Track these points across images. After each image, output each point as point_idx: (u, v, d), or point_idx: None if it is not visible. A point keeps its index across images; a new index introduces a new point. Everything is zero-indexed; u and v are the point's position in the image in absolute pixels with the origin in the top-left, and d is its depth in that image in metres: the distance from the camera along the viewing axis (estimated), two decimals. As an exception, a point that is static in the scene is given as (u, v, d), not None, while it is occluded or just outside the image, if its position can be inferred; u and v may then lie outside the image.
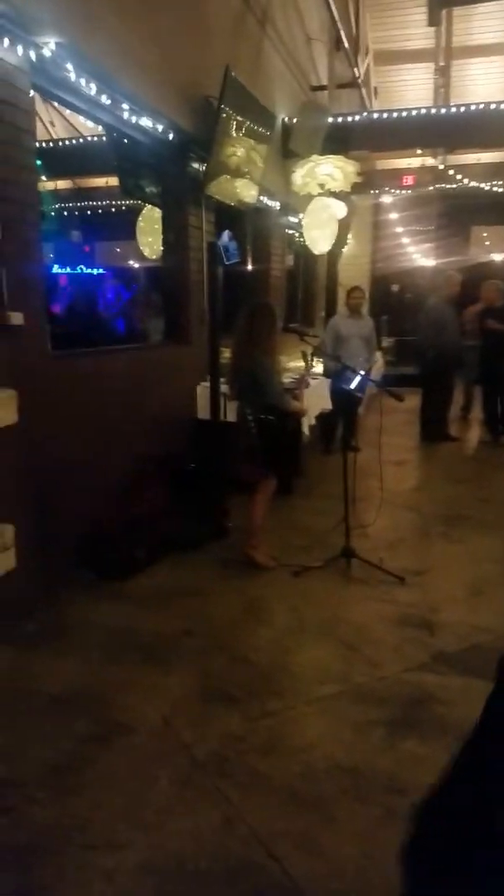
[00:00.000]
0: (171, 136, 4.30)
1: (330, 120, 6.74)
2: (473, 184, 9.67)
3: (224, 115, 4.62)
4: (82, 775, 2.14)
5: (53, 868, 1.79)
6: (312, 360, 4.84)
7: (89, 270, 8.84)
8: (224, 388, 4.15)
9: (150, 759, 2.22)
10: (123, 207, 7.73)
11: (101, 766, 2.18)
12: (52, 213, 8.16)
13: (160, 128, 4.16)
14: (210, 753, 2.24)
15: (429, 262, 11.78)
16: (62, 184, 8.12)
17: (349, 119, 6.96)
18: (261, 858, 1.82)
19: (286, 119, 6.79)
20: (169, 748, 2.27)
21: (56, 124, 6.52)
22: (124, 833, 1.91)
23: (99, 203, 8.34)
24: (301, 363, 4.42)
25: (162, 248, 4.98)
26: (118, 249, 9.66)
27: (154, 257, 5.36)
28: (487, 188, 9.72)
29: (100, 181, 7.98)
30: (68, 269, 8.34)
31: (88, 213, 8.52)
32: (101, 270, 8.89)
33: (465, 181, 9.59)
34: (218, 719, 2.41)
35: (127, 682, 2.65)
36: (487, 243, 11.82)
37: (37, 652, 2.88)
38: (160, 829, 1.92)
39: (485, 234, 11.90)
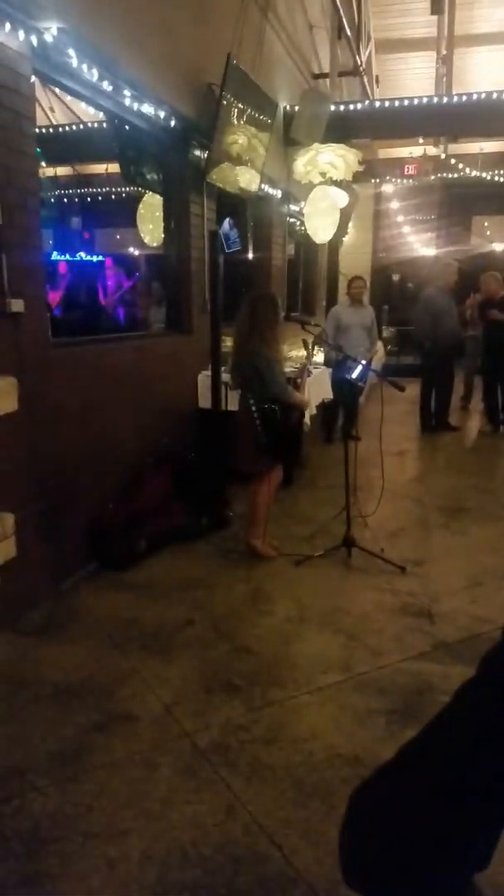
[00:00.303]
0: (172, 123, 4.23)
1: (332, 108, 6.65)
2: (475, 173, 9.60)
3: (225, 102, 4.55)
4: (85, 764, 2.13)
5: (57, 856, 1.79)
6: (314, 349, 4.80)
7: (89, 257, 8.76)
8: (226, 377, 4.11)
9: (152, 747, 2.21)
10: (124, 194, 7.64)
11: (104, 755, 2.17)
12: (52, 200, 8.07)
13: (162, 115, 4.10)
14: (212, 742, 2.23)
15: (430, 251, 11.71)
16: (62, 170, 8.02)
17: (351, 107, 6.87)
18: (263, 847, 1.82)
19: (288, 107, 6.70)
20: (171, 737, 2.26)
21: (56, 110, 6.43)
22: (127, 821, 1.90)
23: (99, 190, 8.25)
24: (302, 352, 4.38)
25: (163, 235, 4.92)
26: (118, 236, 9.58)
27: (155, 245, 5.30)
28: (489, 178, 9.64)
29: (100, 168, 7.88)
30: (68, 257, 8.25)
31: (88, 199, 8.43)
32: (101, 258, 8.80)
33: (467, 170, 9.52)
34: (220, 708, 2.40)
35: (129, 672, 2.64)
36: (489, 233, 11.73)
37: (40, 641, 2.87)
38: (163, 818, 1.92)
39: (486, 224, 11.82)
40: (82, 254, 8.66)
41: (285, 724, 2.32)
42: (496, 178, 9.72)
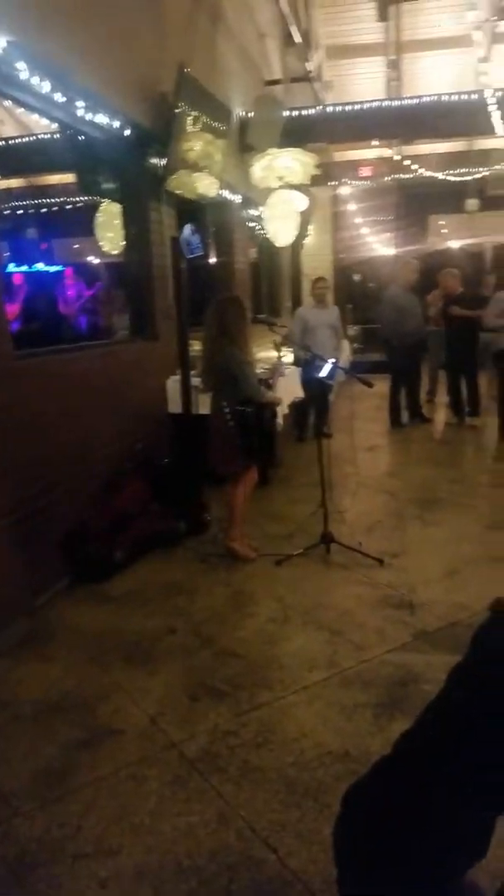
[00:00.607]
0: (127, 133, 4.18)
1: (286, 113, 6.68)
2: (429, 173, 9.74)
3: (180, 110, 4.52)
4: (70, 783, 2.06)
5: (45, 881, 1.71)
6: (283, 350, 4.79)
7: (48, 268, 8.63)
8: (195, 381, 4.07)
9: (139, 760, 2.14)
10: (80, 204, 7.55)
11: (90, 772, 2.10)
12: (7, 212, 7.93)
13: (116, 124, 4.05)
14: (200, 750, 2.17)
15: (389, 251, 11.84)
16: (16, 182, 7.89)
17: (304, 112, 6.92)
18: (258, 851, 1.77)
19: (242, 113, 6.70)
20: (158, 748, 2.20)
21: (6, 122, 6.32)
22: (117, 838, 1.84)
23: (55, 200, 8.14)
24: (272, 353, 4.37)
25: (123, 242, 4.86)
26: (77, 246, 9.46)
27: (115, 252, 5.24)
28: (442, 177, 9.81)
29: (55, 178, 7.78)
30: (25, 268, 8.11)
31: (45, 210, 8.31)
32: (60, 267, 8.68)
33: (421, 171, 9.66)
34: (207, 715, 2.35)
35: (111, 685, 2.56)
36: (445, 231, 11.91)
37: (17, 658, 2.78)
38: (154, 831, 1.85)
39: (442, 223, 12.00)
40: (41, 264, 8.53)
41: (274, 726, 2.28)
42: (449, 178, 9.89)
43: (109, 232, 5.12)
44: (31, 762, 2.15)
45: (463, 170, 10.00)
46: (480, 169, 9.87)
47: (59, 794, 2.01)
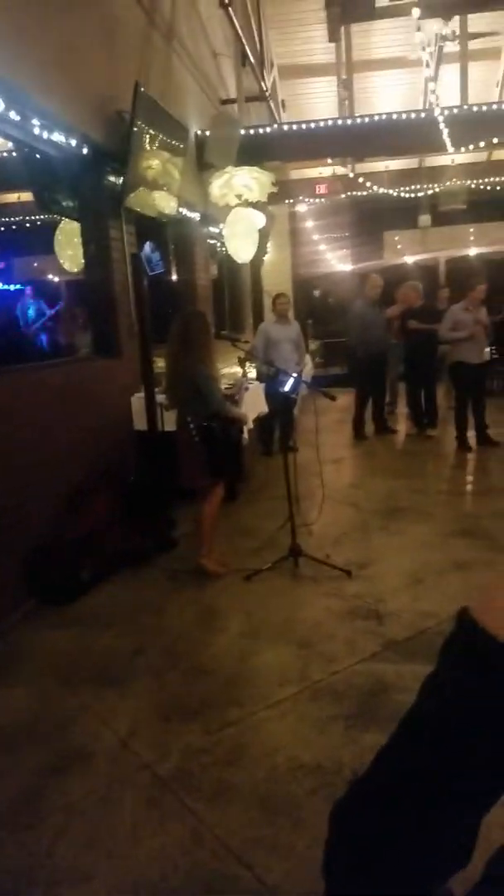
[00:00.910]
0: (85, 151, 4.20)
1: (242, 132, 6.79)
2: (382, 190, 10.02)
3: (137, 129, 4.56)
4: (40, 809, 2.02)
5: (17, 913, 1.68)
6: (245, 365, 4.83)
7: (7, 286, 8.52)
8: (160, 397, 4.07)
9: (110, 783, 2.12)
10: (39, 222, 7.49)
11: (60, 797, 2.06)
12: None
13: (73, 142, 4.06)
14: (173, 770, 2.16)
15: (346, 266, 12.10)
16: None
17: (261, 131, 7.04)
18: (233, 869, 1.77)
19: (199, 132, 6.79)
20: (129, 770, 2.17)
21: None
22: (90, 864, 1.81)
23: (13, 218, 8.06)
24: (236, 369, 4.41)
25: (83, 261, 4.85)
26: (36, 264, 9.38)
27: (76, 270, 5.22)
28: (395, 194, 10.10)
29: (13, 196, 7.71)
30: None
31: (2, 228, 8.21)
32: (20, 286, 8.58)
33: (375, 188, 9.92)
34: (178, 735, 2.34)
35: (80, 708, 2.53)
36: (399, 247, 12.23)
37: (-18, 686, 2.72)
38: (128, 855, 1.83)
39: (396, 238, 12.33)
40: (-1, 283, 8.43)
41: (246, 743, 2.28)
42: (402, 195, 10.19)
43: (69, 250, 5.10)
44: (0, 790, 2.10)
45: (415, 186, 10.32)
46: (432, 185, 10.21)
47: (28, 822, 1.97)
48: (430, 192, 10.29)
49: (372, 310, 7.05)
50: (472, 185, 10.19)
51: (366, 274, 8.31)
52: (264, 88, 7.92)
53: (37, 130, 3.69)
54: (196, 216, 6.62)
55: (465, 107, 6.94)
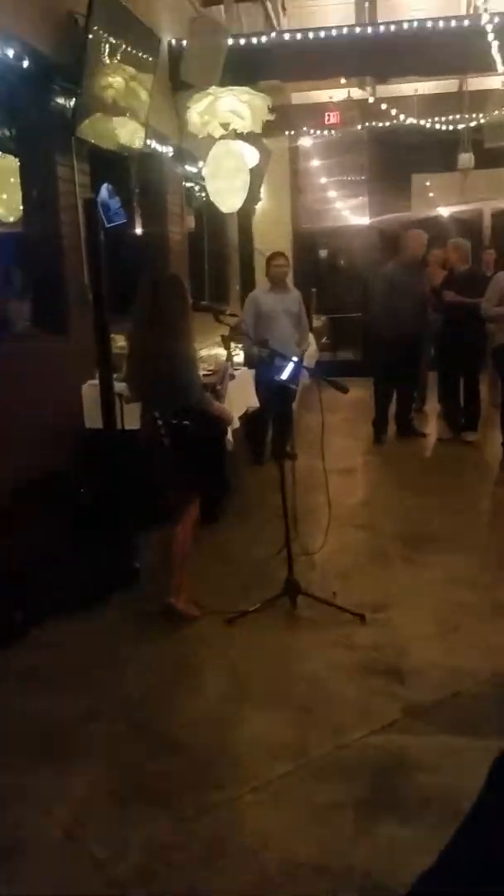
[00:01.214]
0: (26, 64, 4.23)
1: (229, 42, 6.83)
2: (411, 120, 10.05)
3: (94, 36, 4.60)
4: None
5: None
6: (231, 346, 4.85)
7: None
8: (120, 386, 4.09)
9: (49, 888, 2.13)
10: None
11: (-14, 907, 2.08)
12: None
13: (11, 53, 4.09)
14: (132, 870, 2.18)
15: (362, 219, 12.15)
16: None
17: (254, 41, 7.09)
18: None
19: (174, 42, 6.84)
20: (77, 870, 2.19)
21: None
22: None
23: None
24: (218, 350, 4.44)
25: (22, 207, 4.87)
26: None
27: (11, 220, 5.24)
28: (428, 125, 10.11)
29: None
30: None
31: None
32: None
33: (402, 117, 9.95)
34: (139, 825, 2.35)
35: (14, 789, 2.54)
36: (432, 194, 12.29)
37: None
38: None
39: (428, 183, 12.38)
40: None
41: (228, 835, 2.30)
42: (437, 127, 10.21)
43: (3, 193, 5.12)
44: None
45: (454, 116, 10.35)
46: (475, 115, 10.23)
47: None
48: (472, 123, 10.33)
49: (408, 277, 7.00)
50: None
51: (405, 228, 8.18)
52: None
53: (-38, 37, 3.72)
54: (169, 151, 6.66)
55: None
